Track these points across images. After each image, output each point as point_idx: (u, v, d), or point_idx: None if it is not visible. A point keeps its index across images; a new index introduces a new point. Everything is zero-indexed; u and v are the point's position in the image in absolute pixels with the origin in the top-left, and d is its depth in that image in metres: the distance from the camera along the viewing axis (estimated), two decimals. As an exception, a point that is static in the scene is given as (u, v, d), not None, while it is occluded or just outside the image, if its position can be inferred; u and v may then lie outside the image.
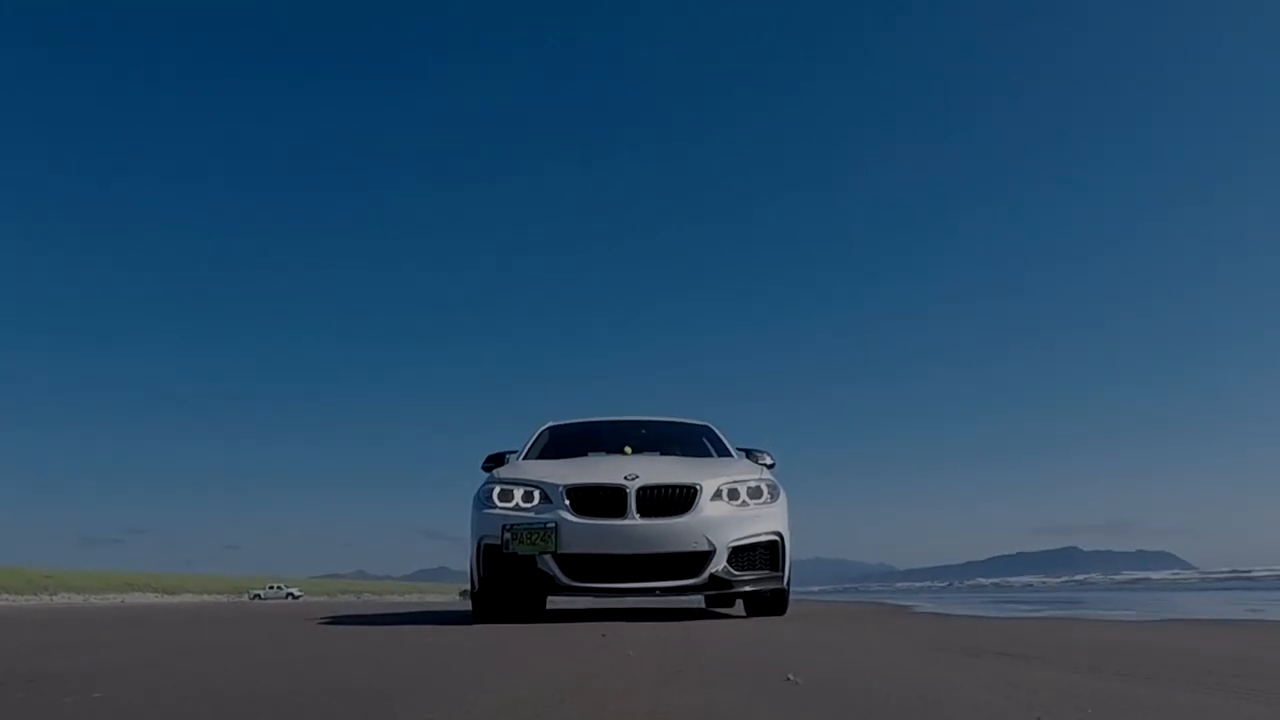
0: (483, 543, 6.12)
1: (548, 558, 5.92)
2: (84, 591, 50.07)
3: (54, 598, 50.24)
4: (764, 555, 6.24)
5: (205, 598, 56.24)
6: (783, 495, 6.50)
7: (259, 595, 59.61)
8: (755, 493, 6.34)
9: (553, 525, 5.92)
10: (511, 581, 6.05)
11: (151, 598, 55.12)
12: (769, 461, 7.13)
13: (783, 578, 6.34)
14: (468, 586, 6.57)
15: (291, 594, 60.86)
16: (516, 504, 6.14)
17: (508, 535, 5.97)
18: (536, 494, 6.14)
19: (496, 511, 6.12)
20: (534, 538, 5.94)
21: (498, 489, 6.25)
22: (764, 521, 6.24)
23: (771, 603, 6.68)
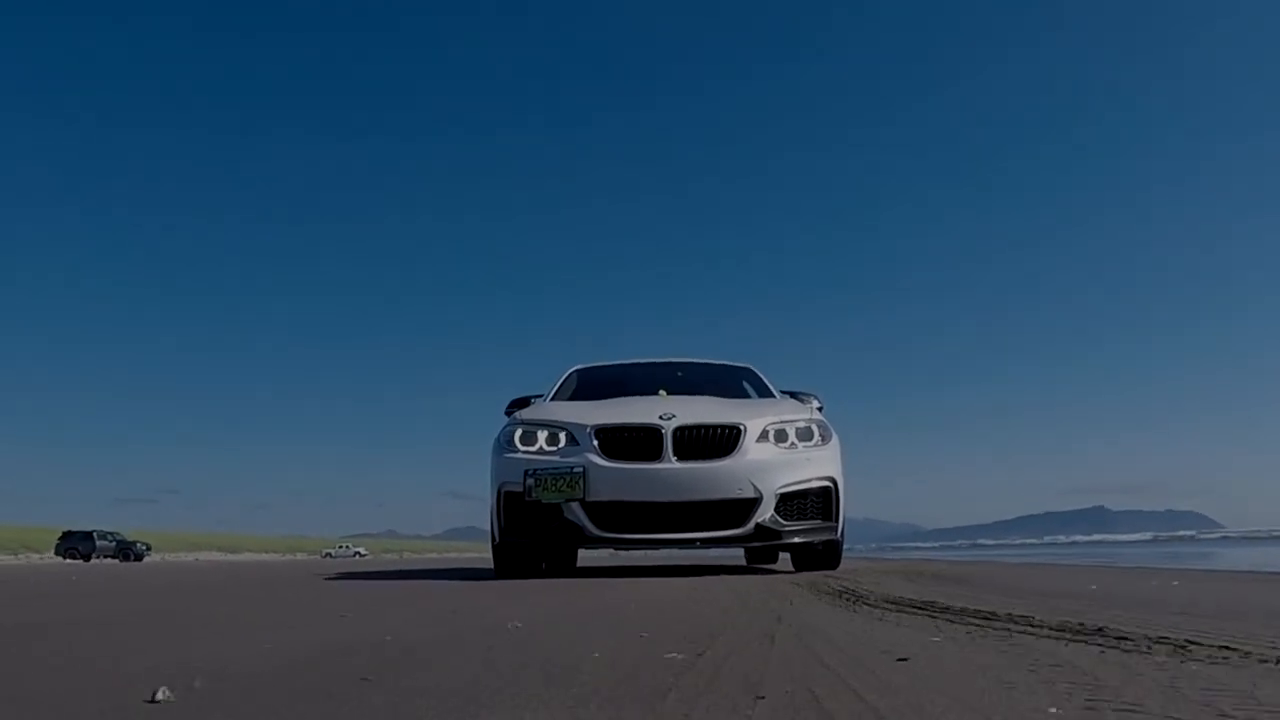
0: (503, 490, 5.08)
1: (575, 505, 4.89)
2: (159, 551, 50.55)
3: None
4: (815, 503, 5.14)
5: (264, 556, 56.40)
6: (835, 438, 5.35)
7: (330, 554, 61.21)
8: (805, 434, 5.20)
9: (580, 470, 4.86)
10: (535, 532, 5.03)
11: (218, 556, 55.50)
12: (818, 404, 5.90)
13: (836, 528, 5.22)
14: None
15: (359, 552, 62.91)
16: (540, 447, 5.09)
17: (530, 481, 4.93)
18: (562, 436, 5.08)
19: (518, 455, 5.07)
20: (559, 484, 4.90)
21: (520, 431, 5.20)
22: (815, 466, 5.12)
23: (823, 556, 5.55)
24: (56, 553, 41.67)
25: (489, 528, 5.35)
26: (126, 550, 42.48)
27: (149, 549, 44.77)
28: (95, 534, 42.27)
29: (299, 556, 56.72)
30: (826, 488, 5.19)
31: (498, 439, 5.35)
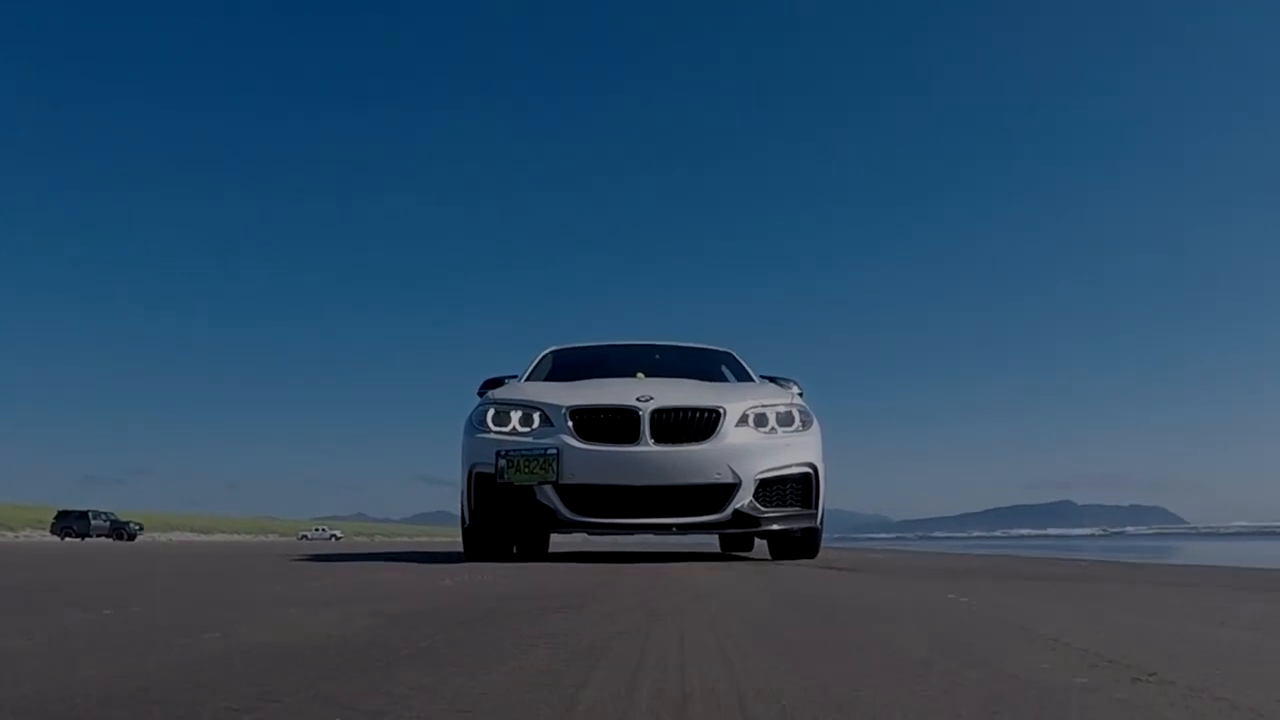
0: (474, 471, 4.78)
1: (548, 488, 4.59)
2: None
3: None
4: (795, 489, 4.87)
5: (237, 537, 54.93)
6: (816, 423, 5.07)
7: (306, 536, 59.93)
8: (786, 419, 4.91)
9: (554, 452, 4.56)
10: (506, 515, 4.73)
11: (191, 536, 54.17)
12: (798, 390, 5.59)
13: (816, 515, 4.95)
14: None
15: (335, 535, 61.93)
16: (513, 428, 4.79)
17: (503, 463, 4.62)
18: (536, 416, 4.77)
19: (490, 436, 4.77)
20: (532, 465, 4.60)
21: (492, 411, 4.89)
22: (796, 451, 4.84)
23: (802, 544, 5.27)
24: (52, 531, 41.62)
25: (459, 510, 5.02)
26: (120, 530, 42.40)
27: (141, 529, 44.59)
28: (90, 514, 42.79)
29: (271, 538, 55.37)
30: (807, 474, 4.92)
31: (469, 419, 5.06)
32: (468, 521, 4.96)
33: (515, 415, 4.88)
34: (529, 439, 4.74)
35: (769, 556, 5.68)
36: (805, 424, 5.03)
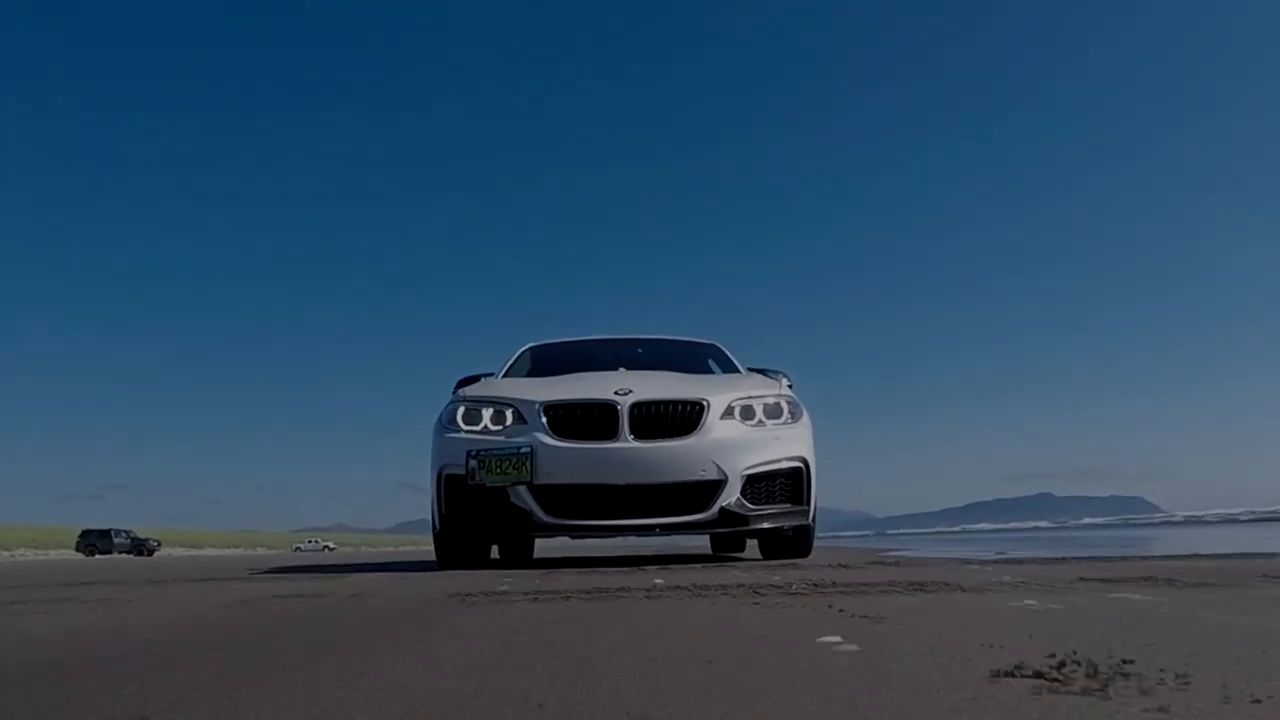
0: (444, 473, 4.40)
1: (522, 489, 4.20)
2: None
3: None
4: (785, 485, 4.48)
5: (228, 551, 53.82)
6: (806, 415, 4.67)
7: (300, 548, 59.89)
8: (774, 411, 4.50)
9: (528, 450, 4.17)
10: (479, 519, 4.33)
11: (181, 551, 53.26)
12: (787, 382, 5.16)
13: (807, 512, 4.55)
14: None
15: (327, 547, 61.50)
16: (485, 426, 4.40)
17: (474, 463, 4.23)
18: (509, 414, 4.37)
19: (461, 435, 4.38)
20: (505, 465, 4.20)
21: (463, 408, 4.51)
22: (785, 445, 4.43)
23: (793, 543, 4.85)
24: (78, 549, 42.10)
25: (430, 513, 4.60)
26: (140, 546, 43.05)
27: (159, 545, 44.77)
28: (112, 531, 43.89)
29: (259, 552, 54.14)
30: (797, 469, 4.51)
31: (439, 418, 4.69)
32: (438, 527, 4.56)
33: (487, 413, 4.48)
34: (501, 437, 4.35)
35: (760, 557, 5.23)
36: (795, 416, 4.62)
